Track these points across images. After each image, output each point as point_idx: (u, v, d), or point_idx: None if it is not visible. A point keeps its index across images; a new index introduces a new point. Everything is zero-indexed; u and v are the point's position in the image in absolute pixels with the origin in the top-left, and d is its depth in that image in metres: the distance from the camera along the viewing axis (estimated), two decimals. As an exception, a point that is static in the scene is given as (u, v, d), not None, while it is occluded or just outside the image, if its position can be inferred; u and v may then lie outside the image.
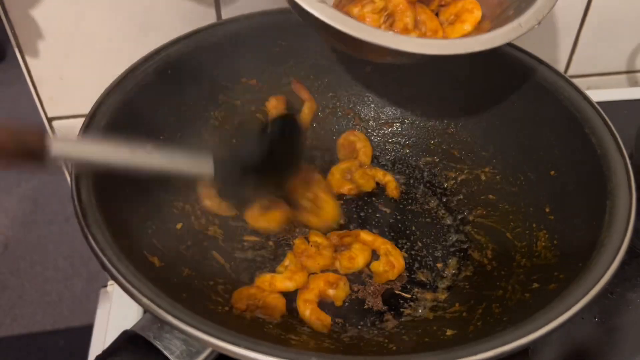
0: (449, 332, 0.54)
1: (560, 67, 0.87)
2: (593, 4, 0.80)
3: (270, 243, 0.64)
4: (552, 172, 0.61)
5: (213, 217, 0.64)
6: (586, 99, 0.60)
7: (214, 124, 0.68)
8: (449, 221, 0.67)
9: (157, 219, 0.57)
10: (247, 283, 0.60)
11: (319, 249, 0.61)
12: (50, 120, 0.77)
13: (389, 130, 0.75)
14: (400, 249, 0.64)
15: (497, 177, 0.68)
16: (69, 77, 0.74)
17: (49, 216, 1.73)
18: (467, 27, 0.57)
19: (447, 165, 0.72)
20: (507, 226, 0.63)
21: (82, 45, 0.71)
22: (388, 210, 0.68)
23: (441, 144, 0.73)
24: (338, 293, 0.59)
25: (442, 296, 0.60)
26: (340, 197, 0.69)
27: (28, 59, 0.71)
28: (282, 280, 0.59)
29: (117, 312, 0.64)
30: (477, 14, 0.58)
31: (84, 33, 0.70)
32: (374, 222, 0.67)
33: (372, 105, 0.75)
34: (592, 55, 0.86)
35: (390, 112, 0.75)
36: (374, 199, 0.70)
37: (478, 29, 0.57)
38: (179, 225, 0.60)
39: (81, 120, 0.55)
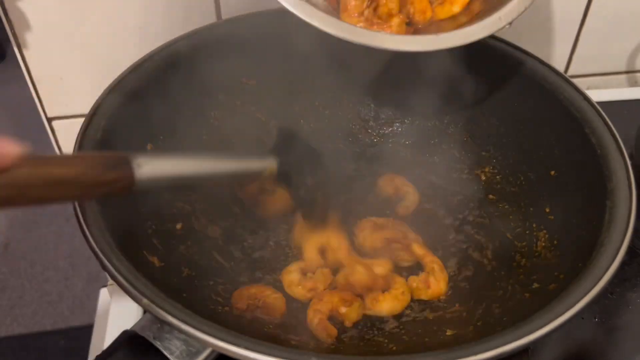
0: (449, 332, 0.54)
1: (560, 67, 0.87)
2: (593, 3, 0.80)
3: (271, 243, 0.64)
4: (552, 172, 0.61)
5: (213, 217, 0.64)
6: (586, 99, 0.60)
7: (214, 124, 0.68)
8: (449, 221, 0.67)
9: (157, 219, 0.57)
10: (247, 283, 0.60)
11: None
12: (50, 120, 0.77)
13: (389, 130, 0.75)
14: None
15: (497, 177, 0.68)
16: (69, 77, 0.74)
17: (49, 216, 1.73)
18: (456, 8, 0.57)
19: (447, 165, 0.72)
20: (507, 226, 0.63)
21: (82, 45, 0.71)
22: (387, 211, 0.68)
23: (441, 144, 0.73)
24: (350, 313, 0.56)
25: (442, 296, 0.60)
26: (340, 196, 0.69)
27: (28, 59, 0.71)
28: (302, 290, 0.58)
29: (117, 312, 0.64)
30: None
31: (84, 33, 0.70)
32: (374, 222, 0.67)
33: (372, 105, 0.75)
34: (592, 55, 0.86)
35: (390, 112, 0.75)
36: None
37: (468, 10, 0.57)
38: (179, 226, 0.60)
39: (81, 120, 0.55)
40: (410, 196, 0.68)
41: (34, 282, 1.59)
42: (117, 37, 0.72)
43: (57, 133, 0.79)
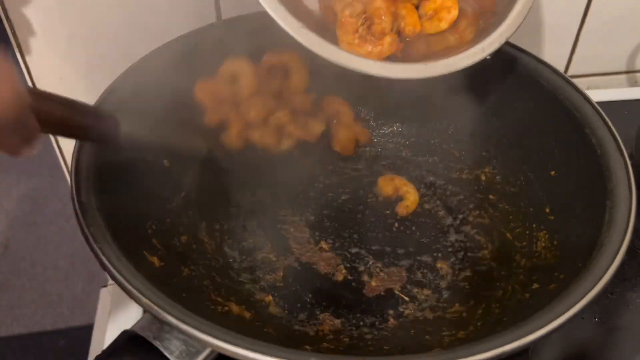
0: (448, 332, 0.54)
1: (560, 67, 0.87)
2: (593, 3, 0.80)
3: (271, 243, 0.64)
4: (552, 172, 0.61)
5: (213, 217, 0.64)
6: (586, 99, 0.60)
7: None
8: (449, 221, 0.67)
9: (157, 219, 0.57)
10: (247, 283, 0.60)
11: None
12: (50, 120, 0.77)
13: (389, 130, 0.75)
14: (400, 248, 0.64)
15: (497, 177, 0.68)
16: (69, 77, 0.74)
17: (49, 216, 1.73)
18: (443, 25, 0.59)
19: (447, 165, 0.72)
20: (507, 226, 0.63)
21: (82, 46, 0.71)
22: (387, 211, 0.68)
23: (441, 144, 0.73)
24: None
25: (442, 296, 0.60)
26: (340, 196, 0.69)
27: (27, 59, 0.71)
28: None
29: (117, 312, 0.64)
30: (454, 13, 0.59)
31: (84, 33, 0.70)
32: (373, 221, 0.67)
33: (372, 105, 0.75)
34: (592, 55, 0.86)
35: (390, 112, 0.75)
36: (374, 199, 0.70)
37: (455, 27, 0.60)
38: (179, 225, 0.60)
39: (81, 120, 0.55)
40: (410, 196, 0.68)
41: (34, 282, 1.59)
42: (116, 37, 0.72)
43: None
